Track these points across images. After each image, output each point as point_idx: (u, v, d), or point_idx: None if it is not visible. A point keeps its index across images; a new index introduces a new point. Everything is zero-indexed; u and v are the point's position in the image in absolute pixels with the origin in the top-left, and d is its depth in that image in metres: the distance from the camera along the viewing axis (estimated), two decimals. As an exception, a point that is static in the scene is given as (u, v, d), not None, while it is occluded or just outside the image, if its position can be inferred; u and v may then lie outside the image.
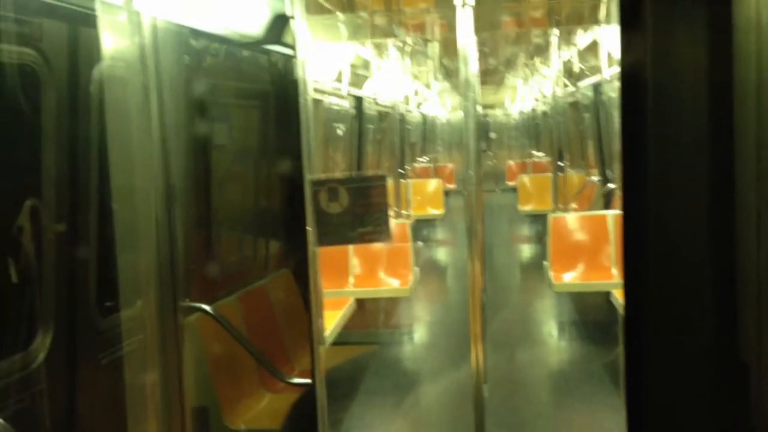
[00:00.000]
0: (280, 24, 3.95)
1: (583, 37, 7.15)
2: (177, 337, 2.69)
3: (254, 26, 4.07)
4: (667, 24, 1.63)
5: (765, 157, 1.54)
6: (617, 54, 1.78)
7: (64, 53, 2.58)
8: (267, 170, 4.61)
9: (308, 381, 3.34)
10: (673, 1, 1.63)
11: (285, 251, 4.68)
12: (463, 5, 3.08)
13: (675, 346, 1.69)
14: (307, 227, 2.79)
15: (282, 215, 4.54)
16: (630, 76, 1.68)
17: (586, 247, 6.80)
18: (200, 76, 3.67)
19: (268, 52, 4.27)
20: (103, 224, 2.64)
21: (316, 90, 5.81)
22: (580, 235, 6.91)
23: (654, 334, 1.70)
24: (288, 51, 3.33)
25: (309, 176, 2.77)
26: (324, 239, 2.84)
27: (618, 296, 5.48)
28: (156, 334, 2.60)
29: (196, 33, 3.50)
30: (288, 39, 3.31)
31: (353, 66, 7.09)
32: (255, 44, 4.11)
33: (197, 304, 3.36)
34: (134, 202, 2.49)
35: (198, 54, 3.60)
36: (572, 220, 7.03)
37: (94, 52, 2.43)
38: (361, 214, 2.78)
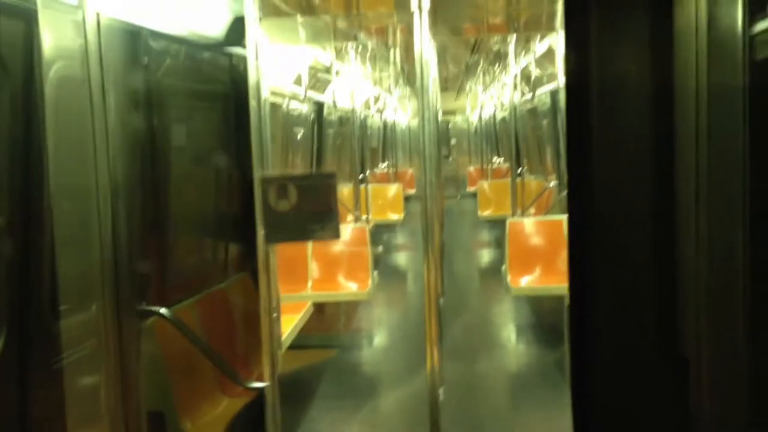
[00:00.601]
0: (238, 26, 3.94)
1: (540, 45, 7.26)
2: (133, 341, 2.66)
3: (212, 27, 4.05)
4: (610, 30, 1.67)
5: (702, 161, 1.59)
6: (569, 61, 1.82)
7: (18, 51, 2.55)
8: (225, 172, 4.58)
9: (266, 385, 3.33)
10: (616, 8, 1.68)
11: (244, 254, 4.65)
12: (420, 8, 3.12)
13: (618, 344, 1.73)
14: (258, 226, 2.79)
15: (240, 217, 4.51)
16: (574, 83, 1.73)
17: (543, 251, 6.88)
18: (153, 76, 3.63)
19: (226, 54, 4.26)
20: (57, 225, 2.60)
21: (275, 93, 5.80)
22: (537, 240, 6.99)
23: (598, 332, 1.74)
24: (245, 53, 3.34)
25: (258, 174, 2.77)
26: (273, 236, 2.85)
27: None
28: (111, 338, 2.57)
29: (150, 33, 3.47)
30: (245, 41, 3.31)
31: (314, 70, 7.09)
32: (212, 45, 4.10)
33: (154, 308, 3.32)
34: (82, 203, 2.46)
35: (151, 53, 3.57)
36: (530, 225, 7.12)
37: (48, 51, 2.40)
38: (310, 212, 2.79)
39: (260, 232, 2.83)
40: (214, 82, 4.47)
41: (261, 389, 3.72)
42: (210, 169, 4.53)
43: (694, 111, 1.61)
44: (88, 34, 2.39)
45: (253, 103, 2.81)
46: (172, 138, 4.00)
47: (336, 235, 2.87)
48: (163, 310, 3.35)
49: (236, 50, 4.25)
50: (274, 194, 2.77)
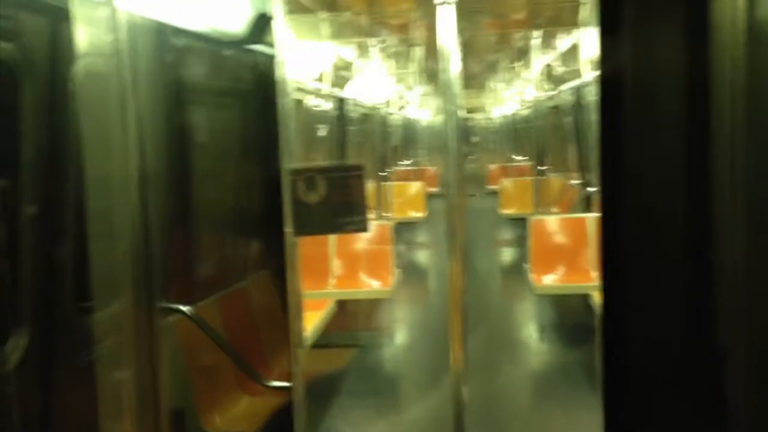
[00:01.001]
0: (262, 23, 3.94)
1: (564, 41, 7.19)
2: (154, 338, 2.66)
3: (236, 24, 4.05)
4: (646, 27, 1.64)
5: (740, 157, 1.55)
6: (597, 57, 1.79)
7: (44, 48, 2.57)
8: (248, 169, 4.58)
9: (287, 384, 3.32)
10: (652, 3, 1.64)
11: (266, 252, 4.65)
12: (443, 4, 3.09)
13: (652, 342, 1.69)
14: (285, 221, 2.79)
15: (263, 215, 4.51)
16: (609, 79, 1.69)
17: (566, 249, 6.83)
18: (181, 74, 3.64)
19: (250, 51, 4.26)
20: (83, 222, 2.61)
21: (298, 90, 5.79)
22: (560, 238, 6.93)
23: (631, 332, 1.70)
24: (269, 50, 3.34)
25: (287, 166, 2.77)
26: (302, 229, 2.84)
27: (596, 298, 5.50)
28: (133, 335, 2.57)
29: (177, 30, 3.48)
30: (270, 38, 3.31)
31: (336, 67, 7.09)
32: (237, 43, 4.10)
33: (175, 306, 3.33)
34: (110, 199, 2.47)
35: (178, 51, 3.58)
36: (552, 223, 7.06)
37: (77, 46, 2.41)
38: (339, 204, 2.78)
39: (287, 227, 2.83)
40: (238, 79, 4.47)
41: (282, 388, 3.71)
42: (233, 166, 4.53)
43: (731, 106, 1.57)
44: (117, 30, 2.41)
45: (280, 99, 2.81)
46: (197, 134, 4.01)
47: (364, 227, 2.86)
48: (185, 308, 3.35)
49: (259, 47, 4.25)
50: (303, 186, 2.76)
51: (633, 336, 1.72)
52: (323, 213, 2.78)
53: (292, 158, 3.11)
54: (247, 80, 4.47)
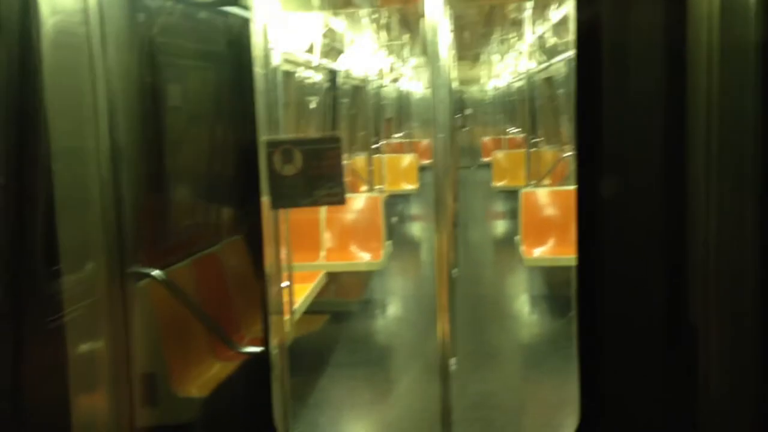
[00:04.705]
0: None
1: (556, 12, 7.15)
2: (126, 303, 2.64)
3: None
4: None
5: (714, 123, 1.56)
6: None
7: (13, 5, 2.49)
8: (223, 135, 4.52)
9: (260, 349, 3.30)
10: None
11: (238, 217, 4.62)
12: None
13: (627, 312, 1.71)
14: (262, 191, 2.77)
15: (235, 180, 4.47)
16: (585, 46, 1.69)
17: (556, 221, 6.84)
18: (156, 35, 3.55)
19: (230, 14, 4.18)
20: (53, 187, 2.57)
21: (287, 61, 5.75)
22: (551, 210, 6.95)
23: (607, 300, 1.72)
24: (249, 15, 3.28)
25: (263, 137, 2.75)
26: (278, 202, 2.84)
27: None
28: (104, 299, 2.55)
29: None
30: (250, 1, 3.25)
31: (327, 38, 7.04)
32: (214, 4, 4.01)
33: (147, 270, 3.30)
34: (79, 162, 2.42)
35: (152, 12, 3.49)
36: (543, 196, 7.07)
37: (45, 5, 2.34)
38: (316, 177, 2.78)
39: (265, 198, 2.81)
40: (218, 44, 4.39)
41: (253, 353, 3.72)
42: (208, 131, 4.46)
43: (707, 70, 1.57)
44: None
45: (258, 68, 2.78)
46: (172, 98, 3.94)
47: (341, 200, 2.86)
48: (156, 273, 3.32)
49: (238, 11, 4.18)
50: (279, 158, 2.75)
51: (608, 304, 1.73)
52: (299, 185, 2.78)
53: (278, 130, 3.08)
54: (224, 44, 4.38)
